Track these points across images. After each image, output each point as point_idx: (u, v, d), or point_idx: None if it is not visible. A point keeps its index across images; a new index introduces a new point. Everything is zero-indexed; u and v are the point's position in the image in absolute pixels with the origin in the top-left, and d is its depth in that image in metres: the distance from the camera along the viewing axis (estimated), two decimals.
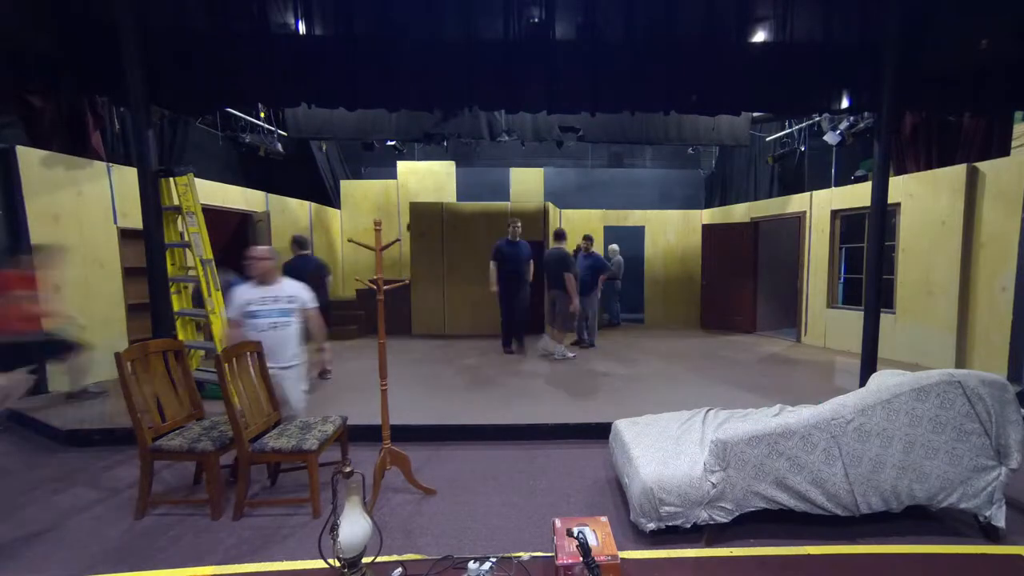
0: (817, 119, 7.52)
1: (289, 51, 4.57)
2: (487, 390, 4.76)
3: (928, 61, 4.61)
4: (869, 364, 4.50)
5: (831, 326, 6.86)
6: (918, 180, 5.73)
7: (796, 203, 7.36)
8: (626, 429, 2.90)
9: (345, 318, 7.90)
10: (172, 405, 2.86)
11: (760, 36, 4.88)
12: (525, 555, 1.53)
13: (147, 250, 4.34)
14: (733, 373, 5.42)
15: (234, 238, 7.16)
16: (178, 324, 4.65)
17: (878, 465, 2.29)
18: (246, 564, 1.86)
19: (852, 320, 6.18)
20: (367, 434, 3.66)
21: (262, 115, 7.88)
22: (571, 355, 6.20)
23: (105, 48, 4.30)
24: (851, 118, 6.84)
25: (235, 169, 8.51)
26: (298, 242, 5.58)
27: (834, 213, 6.82)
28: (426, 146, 9.18)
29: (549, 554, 1.52)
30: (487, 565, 1.44)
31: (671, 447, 2.59)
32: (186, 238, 4.60)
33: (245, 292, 3.20)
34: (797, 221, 7.31)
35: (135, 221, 4.63)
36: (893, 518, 2.43)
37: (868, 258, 4.60)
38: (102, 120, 5.47)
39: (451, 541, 2.43)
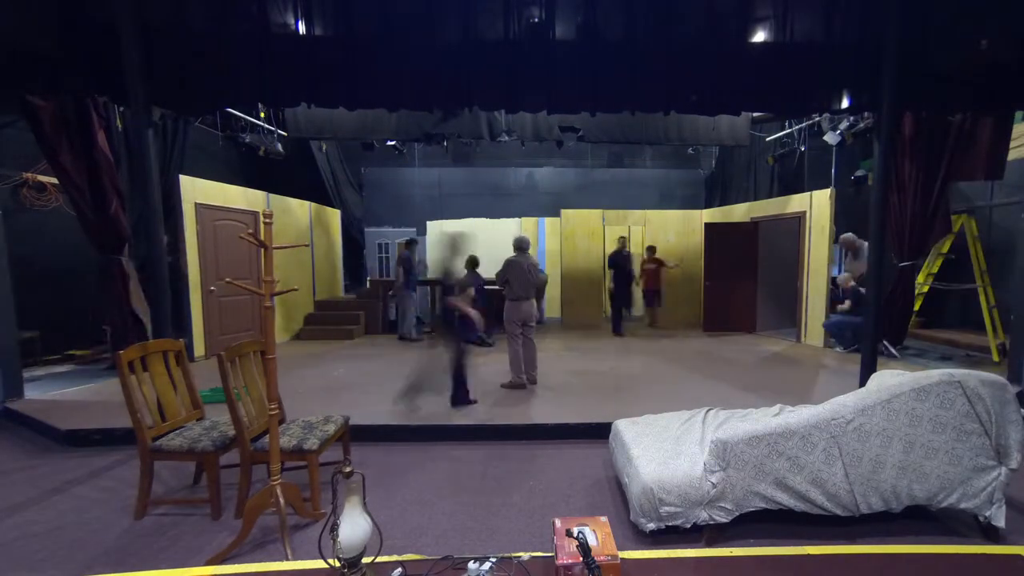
0: (817, 119, 7.52)
1: (289, 51, 4.57)
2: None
3: (928, 61, 4.61)
4: (869, 364, 4.50)
5: None
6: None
7: (796, 203, 7.36)
8: (626, 429, 2.90)
9: (346, 318, 7.91)
10: (172, 405, 2.85)
11: (760, 36, 4.88)
12: (525, 555, 1.53)
13: (148, 251, 4.35)
14: (733, 373, 5.41)
15: None
16: None
17: (878, 465, 2.29)
18: (246, 564, 1.87)
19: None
20: (368, 434, 3.67)
21: (262, 115, 7.88)
22: None
23: (105, 48, 4.30)
24: (851, 118, 6.84)
25: (235, 169, 8.51)
26: None
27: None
28: (426, 146, 9.18)
29: (549, 554, 1.52)
30: (487, 565, 1.43)
31: (671, 447, 2.59)
32: None
33: None
34: (797, 221, 7.30)
35: None
36: (893, 518, 2.43)
37: (868, 257, 4.60)
38: (105, 119, 5.45)
39: (451, 541, 2.43)
